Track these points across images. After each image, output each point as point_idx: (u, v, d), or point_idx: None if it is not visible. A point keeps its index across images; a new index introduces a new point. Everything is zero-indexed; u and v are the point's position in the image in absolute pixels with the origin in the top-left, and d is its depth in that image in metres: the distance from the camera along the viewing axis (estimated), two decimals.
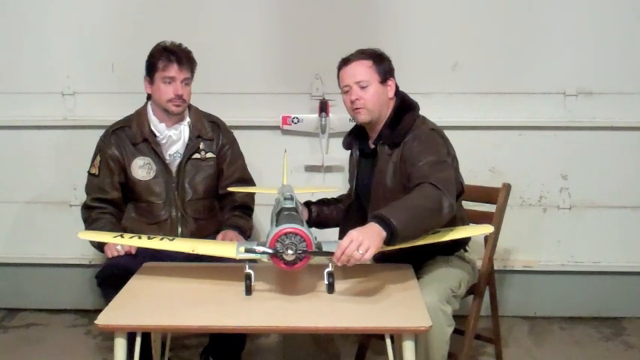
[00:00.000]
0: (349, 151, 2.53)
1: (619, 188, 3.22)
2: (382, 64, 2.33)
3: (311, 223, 2.48)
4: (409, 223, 1.94)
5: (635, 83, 3.15)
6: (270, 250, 1.88)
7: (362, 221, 2.29)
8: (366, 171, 2.40)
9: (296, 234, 1.87)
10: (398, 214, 1.93)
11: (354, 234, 1.88)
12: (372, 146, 2.37)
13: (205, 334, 2.76)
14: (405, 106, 2.35)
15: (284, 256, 1.87)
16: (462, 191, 2.39)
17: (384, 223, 1.91)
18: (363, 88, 2.30)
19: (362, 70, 2.30)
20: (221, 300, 1.98)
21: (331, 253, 1.90)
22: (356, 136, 2.47)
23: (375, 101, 2.30)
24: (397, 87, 2.38)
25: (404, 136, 2.28)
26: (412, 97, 2.42)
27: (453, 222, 2.22)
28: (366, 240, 1.86)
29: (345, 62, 2.34)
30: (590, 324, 3.26)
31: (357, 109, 2.32)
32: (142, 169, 2.63)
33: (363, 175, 2.42)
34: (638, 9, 3.11)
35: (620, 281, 3.29)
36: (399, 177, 2.25)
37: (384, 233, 1.90)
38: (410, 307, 1.91)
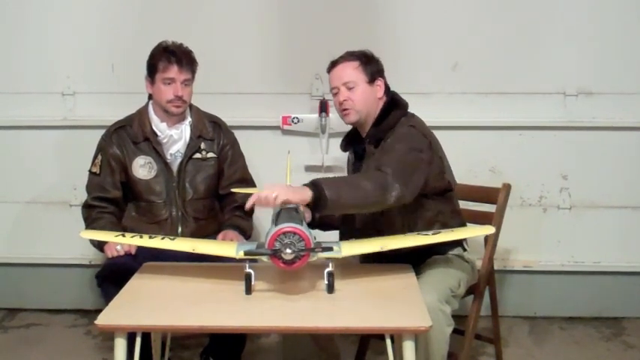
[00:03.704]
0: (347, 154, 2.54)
1: (619, 188, 3.22)
2: (370, 65, 2.34)
3: (314, 224, 2.48)
4: (341, 195, 1.99)
5: (635, 83, 3.15)
6: (268, 252, 1.88)
7: (360, 223, 2.30)
8: (359, 172, 2.40)
9: (294, 233, 1.87)
10: (333, 184, 2.01)
11: (275, 185, 1.99)
12: (364, 146, 2.38)
13: (205, 334, 2.76)
14: (392, 106, 2.36)
15: (283, 256, 1.87)
16: (450, 189, 2.38)
17: (314, 186, 1.99)
18: (350, 89, 2.31)
19: (349, 72, 2.32)
20: (221, 300, 1.98)
21: (329, 249, 1.91)
22: (352, 139, 2.48)
23: (362, 101, 2.32)
24: (388, 87, 2.39)
25: (386, 132, 2.29)
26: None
27: (443, 218, 2.25)
28: (282, 189, 1.97)
29: (333, 65, 2.37)
30: (590, 324, 3.26)
31: (344, 110, 2.34)
32: (142, 168, 2.63)
33: None
34: (638, 9, 3.11)
35: (620, 281, 3.29)
36: None
37: (309, 193, 1.97)
38: (410, 307, 1.91)
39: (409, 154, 2.18)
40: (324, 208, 1.99)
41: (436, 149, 2.31)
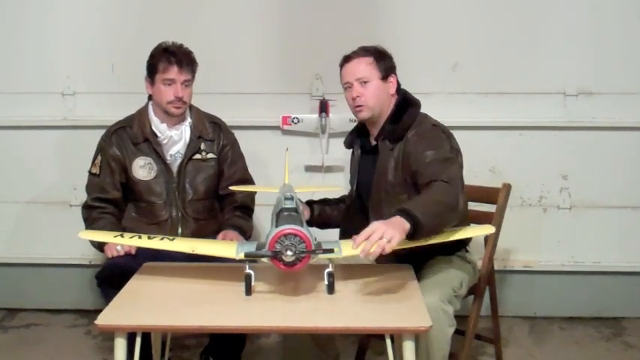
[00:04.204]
0: (350, 151, 2.53)
1: (619, 188, 3.22)
2: (384, 61, 2.34)
3: (312, 222, 2.48)
4: (432, 217, 1.93)
5: (635, 83, 3.16)
6: (269, 254, 1.88)
7: (363, 220, 2.29)
8: (367, 168, 2.40)
9: (295, 235, 1.87)
10: (421, 208, 1.92)
11: (377, 224, 1.85)
12: (374, 142, 2.38)
13: (205, 334, 2.76)
14: (406, 103, 2.36)
15: (283, 258, 1.87)
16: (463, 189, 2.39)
17: (407, 216, 1.89)
18: (363, 84, 2.31)
19: (363, 67, 2.32)
20: (221, 300, 1.98)
21: (330, 251, 1.90)
22: (357, 134, 2.47)
23: (376, 97, 2.31)
24: (399, 84, 2.39)
25: (406, 130, 2.29)
26: (413, 96, 2.42)
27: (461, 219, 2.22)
28: (390, 229, 1.83)
29: (346, 59, 2.36)
30: (590, 324, 3.26)
31: (358, 106, 2.33)
32: (142, 169, 2.63)
33: (365, 172, 2.42)
34: (638, 9, 3.11)
35: (620, 281, 3.29)
36: (401, 172, 2.26)
37: (407, 225, 1.88)
38: (410, 307, 1.91)
39: (448, 158, 2.18)
40: (420, 236, 1.93)
41: (457, 148, 2.33)
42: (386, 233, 1.81)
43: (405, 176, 2.24)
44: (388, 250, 1.81)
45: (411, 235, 1.90)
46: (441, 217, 1.99)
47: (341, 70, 2.38)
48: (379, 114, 2.34)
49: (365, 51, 2.35)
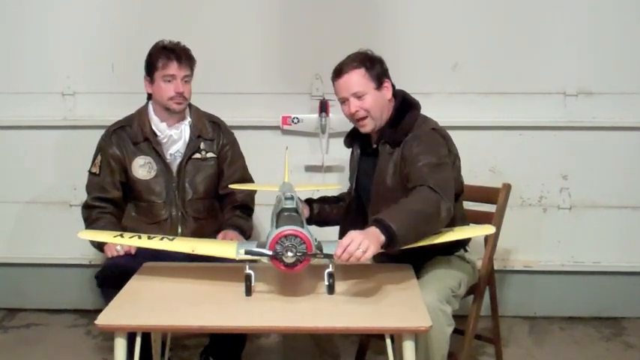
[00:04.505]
0: (350, 150, 2.53)
1: (619, 188, 3.22)
2: (374, 68, 2.30)
3: (312, 220, 2.48)
4: (408, 229, 1.96)
5: (635, 83, 3.16)
6: (269, 253, 1.88)
7: (362, 220, 2.30)
8: (367, 170, 2.40)
9: (296, 236, 1.87)
10: (397, 219, 1.95)
11: (354, 234, 1.89)
12: (374, 145, 2.38)
13: (205, 334, 2.76)
14: (406, 106, 2.35)
15: (284, 259, 1.87)
16: (461, 191, 2.39)
17: (383, 227, 1.92)
18: (359, 98, 2.29)
19: (356, 80, 2.28)
20: (221, 300, 1.98)
21: (331, 256, 1.90)
22: (358, 135, 2.47)
23: (375, 109, 2.30)
24: (394, 86, 2.38)
25: (405, 135, 2.28)
26: (412, 97, 2.42)
27: (453, 222, 2.22)
28: (366, 240, 1.87)
29: (337, 74, 2.31)
30: (590, 324, 3.26)
31: (359, 120, 2.32)
32: (142, 168, 2.63)
33: (364, 174, 2.42)
34: (637, 9, 3.11)
35: (620, 281, 3.29)
36: (399, 176, 2.26)
37: (382, 237, 1.92)
38: (410, 307, 1.91)
39: (441, 163, 2.18)
40: (395, 247, 1.95)
41: (455, 152, 2.33)
42: (362, 244, 1.86)
43: (403, 180, 2.24)
44: (363, 260, 1.87)
45: (386, 246, 1.93)
46: (419, 227, 2.01)
47: (333, 83, 2.35)
48: (381, 122, 2.33)
49: (355, 62, 2.29)
